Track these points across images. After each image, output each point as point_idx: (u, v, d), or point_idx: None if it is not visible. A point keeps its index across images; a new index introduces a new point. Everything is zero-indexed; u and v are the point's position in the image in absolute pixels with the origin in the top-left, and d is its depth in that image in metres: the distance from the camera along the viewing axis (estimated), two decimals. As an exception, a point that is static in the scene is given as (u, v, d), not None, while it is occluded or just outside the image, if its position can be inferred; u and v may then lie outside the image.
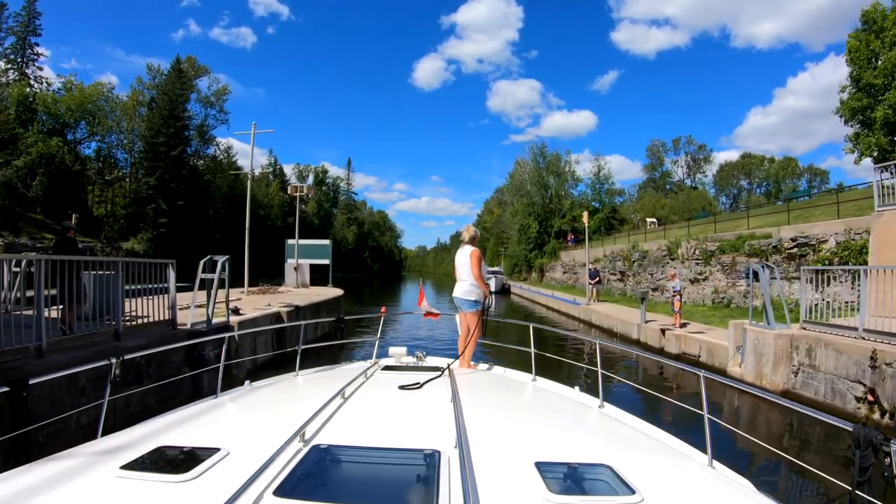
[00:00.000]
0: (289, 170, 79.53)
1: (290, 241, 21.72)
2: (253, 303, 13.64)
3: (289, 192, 22.68)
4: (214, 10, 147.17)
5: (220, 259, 9.23)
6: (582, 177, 50.30)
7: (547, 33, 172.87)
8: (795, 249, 16.79)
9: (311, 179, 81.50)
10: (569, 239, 42.17)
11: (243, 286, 16.98)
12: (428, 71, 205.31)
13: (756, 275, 10.81)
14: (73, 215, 28.54)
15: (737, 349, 11.18)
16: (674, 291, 14.47)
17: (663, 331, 14.13)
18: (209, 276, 9.14)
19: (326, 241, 23.40)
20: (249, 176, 17.59)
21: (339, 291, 19.29)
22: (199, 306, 9.43)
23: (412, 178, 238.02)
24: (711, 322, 15.57)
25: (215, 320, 9.53)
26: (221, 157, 48.84)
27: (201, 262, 9.36)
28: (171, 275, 8.58)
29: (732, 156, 78.27)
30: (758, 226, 20.79)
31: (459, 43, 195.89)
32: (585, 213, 21.22)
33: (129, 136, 42.46)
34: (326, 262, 22.79)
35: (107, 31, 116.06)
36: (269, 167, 64.43)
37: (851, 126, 27.11)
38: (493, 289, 33.86)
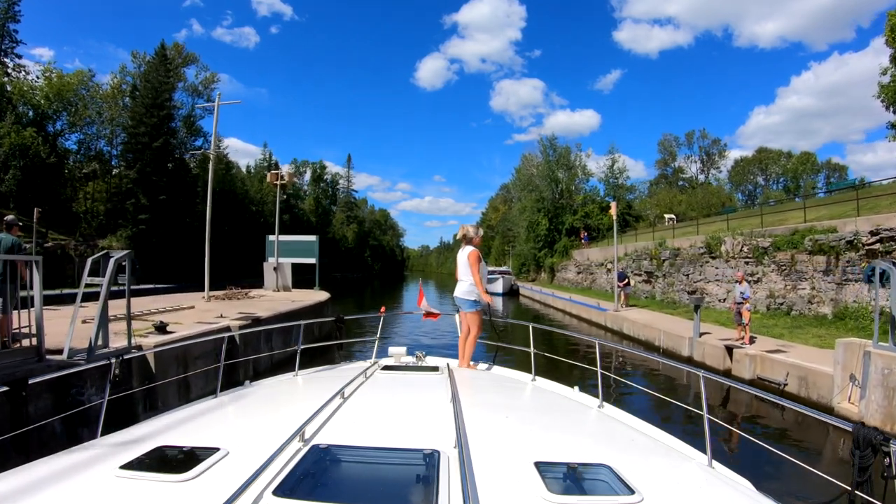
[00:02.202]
0: (287, 167, 76.79)
1: (270, 238, 18.70)
2: (204, 314, 10.69)
3: (268, 179, 19.65)
4: (217, 9, 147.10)
5: (115, 255, 6.28)
6: (593, 171, 47.12)
7: (550, 32, 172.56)
8: (878, 245, 13.67)
9: (308, 176, 78.62)
10: (582, 236, 39.06)
11: (209, 291, 13.99)
12: (431, 70, 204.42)
13: (883, 276, 7.72)
14: (37, 210, 25.73)
15: (850, 379, 8.13)
16: (742, 298, 11.40)
17: (730, 349, 11.09)
18: (97, 280, 6.19)
19: (312, 237, 20.23)
20: (212, 156, 14.64)
21: (324, 295, 16.30)
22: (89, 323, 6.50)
23: (415, 177, 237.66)
24: (779, 335, 12.55)
25: (116, 344, 6.60)
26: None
27: (89, 261, 6.43)
28: (37, 279, 5.61)
29: (737, 155, 75.26)
30: (814, 218, 17.77)
31: (462, 42, 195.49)
32: (613, 204, 18.20)
33: (111, 126, 39.59)
34: (312, 261, 19.68)
35: (109, 31, 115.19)
36: (263, 162, 61.48)
37: (895, 112, 24.11)
38: (500, 290, 30.99)
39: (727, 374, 10.84)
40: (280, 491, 1.55)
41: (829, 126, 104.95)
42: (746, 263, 17.49)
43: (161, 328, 8.03)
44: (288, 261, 18.18)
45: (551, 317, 23.92)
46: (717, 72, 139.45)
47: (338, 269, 77.47)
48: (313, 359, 5.01)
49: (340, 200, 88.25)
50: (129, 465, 1.81)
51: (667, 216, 42.21)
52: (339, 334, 5.66)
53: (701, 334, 12.45)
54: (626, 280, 19.69)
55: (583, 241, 38.49)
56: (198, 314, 10.51)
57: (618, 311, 17.45)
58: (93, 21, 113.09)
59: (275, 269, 17.54)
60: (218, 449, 1.92)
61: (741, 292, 11.63)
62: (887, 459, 2.06)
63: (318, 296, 16.17)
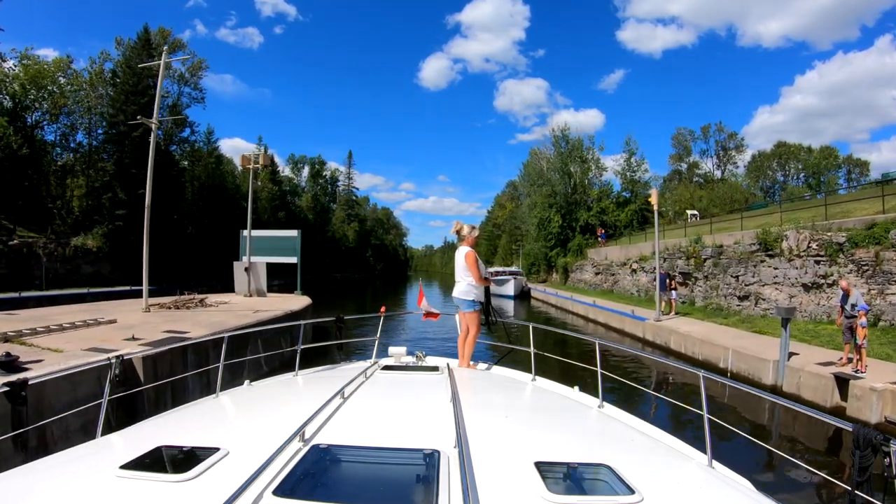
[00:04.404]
0: (282, 163, 73.84)
1: (244, 232, 15.73)
2: (118, 332, 7.75)
3: (240, 163, 16.72)
4: (221, 10, 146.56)
5: None
6: (607, 166, 43.71)
7: (553, 32, 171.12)
8: None
9: (306, 171, 75.50)
10: (599, 234, 35.93)
11: (148, 299, 10.98)
12: (434, 70, 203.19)
13: None
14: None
15: None
16: (858, 310, 8.35)
17: (841, 379, 8.06)
18: None
19: (294, 232, 17.15)
20: (154, 126, 11.64)
21: (303, 302, 13.31)
22: None
23: (419, 177, 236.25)
24: (885, 355, 9.60)
25: None
26: (201, 142, 43.08)
27: None
28: None
29: (743, 153, 72.36)
30: (892, 209, 14.73)
31: (465, 42, 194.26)
32: (654, 191, 15.16)
33: (89, 115, 36.80)
34: (293, 260, 16.65)
35: (112, 32, 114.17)
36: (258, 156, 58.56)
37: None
38: (512, 293, 27.87)
39: (837, 413, 7.83)
40: (280, 491, 1.53)
41: (834, 125, 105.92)
42: (817, 263, 14.40)
43: (6, 364, 5.07)
44: (263, 260, 15.21)
45: (573, 324, 20.83)
46: (721, 71, 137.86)
47: (338, 270, 74.56)
48: (313, 359, 4.93)
49: (341, 198, 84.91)
50: (129, 465, 1.76)
51: (689, 212, 39.14)
52: (339, 334, 5.51)
53: (791, 354, 9.43)
54: (672, 284, 16.58)
55: (600, 238, 35.36)
56: (109, 332, 7.61)
57: (660, 321, 14.38)
58: (95, 22, 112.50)
59: (246, 269, 14.58)
60: (218, 449, 1.88)
61: (852, 303, 8.57)
62: (887, 459, 2.02)
63: (296, 302, 13.18)
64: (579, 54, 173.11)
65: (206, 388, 7.45)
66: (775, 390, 9.42)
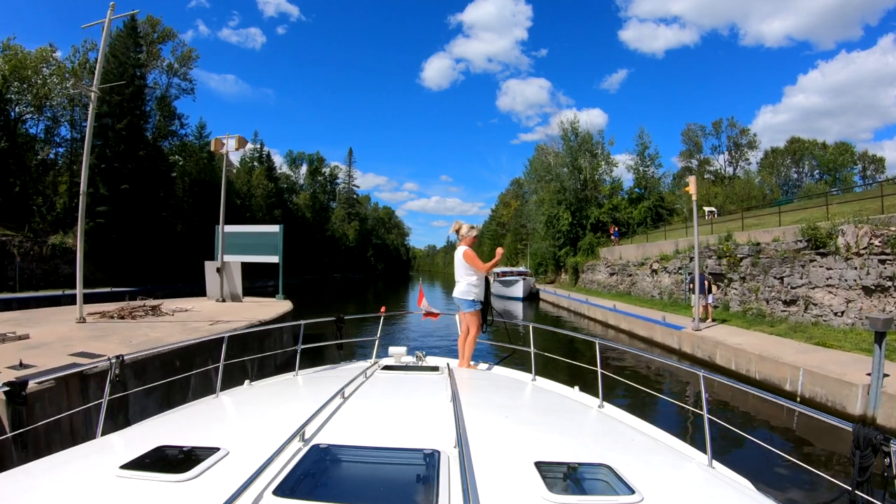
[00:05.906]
0: (280, 160, 71.95)
1: (218, 228, 13.76)
2: (7, 357, 5.79)
3: (213, 147, 14.81)
4: (223, 10, 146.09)
5: None
6: (618, 162, 41.50)
7: (556, 32, 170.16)
8: None
9: (304, 169, 73.52)
10: (611, 232, 33.88)
11: (82, 307, 9.02)
12: (436, 70, 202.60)
13: None
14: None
15: None
16: None
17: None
18: None
19: (275, 228, 15.10)
20: (93, 97, 9.79)
21: (278, 310, 11.31)
22: None
23: (422, 177, 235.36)
24: None
25: None
26: (192, 135, 41.15)
27: None
28: None
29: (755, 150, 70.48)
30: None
31: (467, 42, 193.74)
32: (692, 178, 13.12)
33: (71, 107, 35.05)
34: (275, 259, 14.65)
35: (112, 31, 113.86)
36: (254, 153, 56.60)
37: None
38: (521, 294, 25.83)
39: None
40: (280, 491, 1.53)
41: (837, 125, 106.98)
42: (881, 262, 12.35)
43: None
44: (238, 259, 13.27)
45: (589, 331, 18.80)
46: (723, 71, 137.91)
47: (338, 270, 72.69)
48: (313, 359, 4.87)
49: (341, 196, 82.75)
50: (129, 465, 1.76)
51: (706, 209, 37.08)
52: (339, 334, 5.43)
53: (885, 376, 7.40)
54: (708, 287, 14.53)
55: (612, 237, 33.31)
56: (3, 354, 5.68)
57: (699, 331, 12.35)
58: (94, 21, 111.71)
59: (218, 270, 12.65)
60: (218, 449, 1.87)
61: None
62: (887, 459, 2.02)
63: (271, 309, 11.20)
64: (582, 54, 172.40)
65: (124, 424, 5.61)
66: (865, 421, 7.42)
